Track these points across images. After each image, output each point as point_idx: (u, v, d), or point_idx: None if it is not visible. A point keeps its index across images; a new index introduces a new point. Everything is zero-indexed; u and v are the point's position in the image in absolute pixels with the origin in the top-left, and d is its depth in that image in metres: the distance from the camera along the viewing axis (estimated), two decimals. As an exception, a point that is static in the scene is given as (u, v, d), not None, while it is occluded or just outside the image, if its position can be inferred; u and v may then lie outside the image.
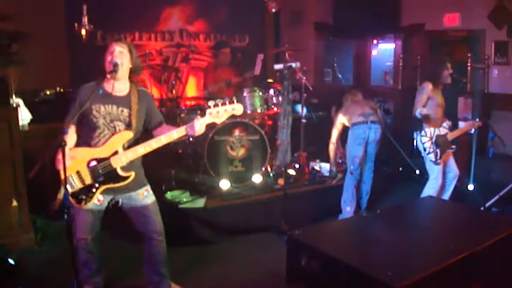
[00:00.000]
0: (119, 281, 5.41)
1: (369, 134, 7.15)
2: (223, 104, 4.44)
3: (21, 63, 8.26)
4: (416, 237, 4.55)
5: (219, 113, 4.45)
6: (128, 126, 4.53)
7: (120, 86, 4.57)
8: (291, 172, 7.76)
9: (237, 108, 4.52)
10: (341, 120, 7.52)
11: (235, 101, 4.49)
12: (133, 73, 4.67)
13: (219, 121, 4.52)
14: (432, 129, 6.80)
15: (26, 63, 8.30)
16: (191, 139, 8.01)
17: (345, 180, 7.46)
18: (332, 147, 7.79)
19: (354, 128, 7.23)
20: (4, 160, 6.09)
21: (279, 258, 4.68)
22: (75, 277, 3.92)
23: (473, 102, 8.94)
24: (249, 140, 7.63)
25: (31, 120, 7.01)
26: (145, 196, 4.74)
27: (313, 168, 8.16)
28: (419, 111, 6.71)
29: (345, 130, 7.57)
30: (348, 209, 7.30)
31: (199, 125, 4.41)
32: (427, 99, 6.79)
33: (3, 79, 6.11)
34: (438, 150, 6.79)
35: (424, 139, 6.84)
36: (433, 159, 6.84)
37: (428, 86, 6.80)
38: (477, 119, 7.24)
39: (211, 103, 4.43)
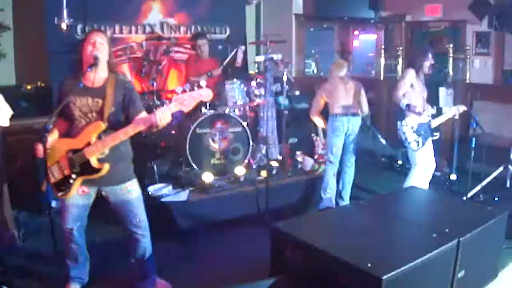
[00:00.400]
0: (105, 276, 5.37)
1: (348, 127, 7.16)
2: (191, 90, 4.31)
3: (0, 57, 8.19)
4: (401, 228, 4.57)
5: (185, 100, 4.29)
6: (101, 117, 4.48)
7: (97, 77, 4.49)
8: (274, 164, 7.75)
9: (204, 94, 4.33)
10: (323, 97, 7.43)
11: (203, 85, 4.36)
12: (109, 67, 4.61)
13: (186, 108, 4.36)
14: (412, 117, 6.80)
15: (5, 57, 8.23)
16: (173, 131, 7.99)
17: (325, 168, 7.47)
18: (316, 118, 7.66)
19: (333, 119, 7.22)
20: (-16, 156, 6.03)
21: (263, 250, 4.68)
22: (59, 271, 3.90)
23: (454, 92, 8.97)
24: (231, 132, 7.61)
25: (12, 116, 6.94)
26: (128, 191, 4.68)
27: (295, 160, 8.16)
28: (403, 103, 6.71)
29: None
30: (326, 196, 7.31)
31: (160, 114, 4.24)
32: (409, 86, 6.80)
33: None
34: (420, 139, 6.79)
35: (405, 129, 6.84)
36: (415, 148, 6.85)
37: (411, 72, 6.80)
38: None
39: (178, 89, 4.33)
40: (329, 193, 7.34)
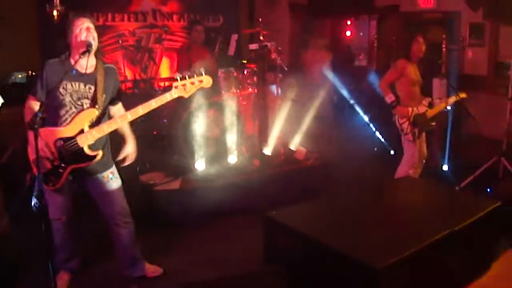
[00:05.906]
0: (95, 265, 5.36)
1: None
2: (190, 77, 4.37)
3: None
4: (395, 217, 4.56)
5: (185, 86, 4.41)
6: (94, 104, 4.43)
7: (87, 63, 4.41)
8: (266, 152, 7.73)
9: (205, 80, 4.48)
10: None
11: (203, 72, 4.41)
12: (97, 52, 4.54)
13: (186, 95, 4.47)
14: (409, 109, 6.77)
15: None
16: (165, 120, 7.96)
17: None
18: None
19: None
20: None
21: (256, 239, 4.67)
22: (51, 261, 3.86)
23: (447, 83, 8.95)
24: (223, 120, 7.57)
25: (2, 104, 6.89)
26: (110, 178, 4.67)
27: (288, 149, 8.13)
28: (388, 98, 6.73)
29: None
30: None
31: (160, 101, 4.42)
32: (399, 76, 6.78)
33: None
34: (416, 130, 6.77)
35: (401, 120, 6.83)
36: (411, 138, 6.83)
37: (399, 63, 6.80)
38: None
39: (178, 76, 4.35)
40: None
